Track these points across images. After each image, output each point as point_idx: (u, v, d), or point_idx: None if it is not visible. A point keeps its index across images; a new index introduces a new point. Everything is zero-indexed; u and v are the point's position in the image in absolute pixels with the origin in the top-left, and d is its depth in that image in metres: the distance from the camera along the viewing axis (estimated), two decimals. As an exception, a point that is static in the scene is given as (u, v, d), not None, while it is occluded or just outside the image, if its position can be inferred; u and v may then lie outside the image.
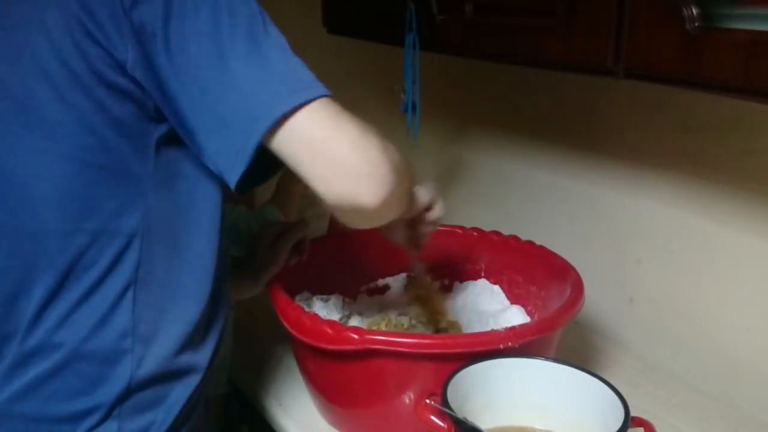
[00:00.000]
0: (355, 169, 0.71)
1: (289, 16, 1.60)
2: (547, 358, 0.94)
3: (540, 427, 0.92)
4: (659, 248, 1.25)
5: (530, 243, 1.24)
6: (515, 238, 1.26)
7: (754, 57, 0.71)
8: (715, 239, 1.16)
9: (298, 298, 1.15)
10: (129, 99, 0.73)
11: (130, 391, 0.78)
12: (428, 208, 0.96)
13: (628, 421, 0.80)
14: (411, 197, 0.88)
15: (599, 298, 1.29)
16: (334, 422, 1.08)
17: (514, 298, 1.25)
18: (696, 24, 0.75)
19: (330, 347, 0.94)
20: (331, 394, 1.05)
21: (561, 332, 1.04)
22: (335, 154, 0.71)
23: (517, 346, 0.92)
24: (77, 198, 0.75)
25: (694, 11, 0.75)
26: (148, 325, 0.79)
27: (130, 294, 0.77)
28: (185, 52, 0.70)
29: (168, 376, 0.81)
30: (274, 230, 1.11)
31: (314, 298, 1.18)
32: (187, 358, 0.82)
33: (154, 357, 0.79)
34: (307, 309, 1.11)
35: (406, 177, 0.78)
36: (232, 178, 0.72)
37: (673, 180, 1.21)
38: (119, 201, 0.76)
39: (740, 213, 1.11)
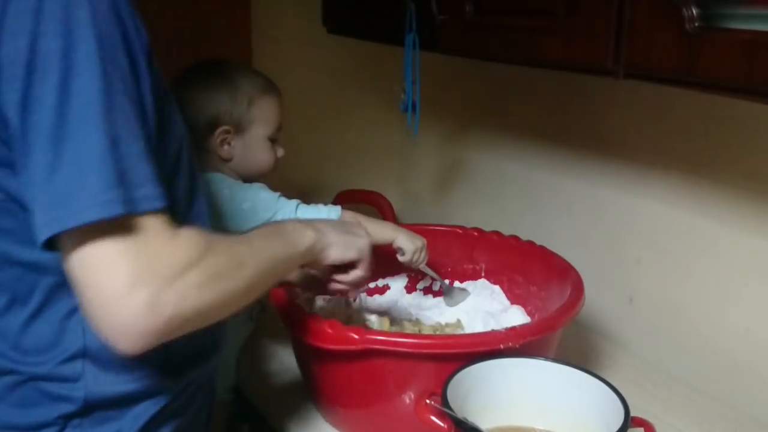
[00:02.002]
0: (113, 318, 0.64)
1: (289, 16, 1.61)
2: (547, 358, 0.94)
3: (540, 427, 0.92)
4: (659, 248, 1.25)
5: (530, 243, 1.24)
6: (515, 238, 1.27)
7: (754, 57, 0.71)
8: (714, 239, 1.16)
9: (298, 298, 1.15)
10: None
11: (88, 408, 0.76)
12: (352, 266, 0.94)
13: (628, 421, 0.80)
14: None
15: (599, 298, 1.29)
16: (334, 422, 1.08)
17: (514, 298, 1.25)
18: (696, 24, 0.75)
19: (330, 347, 0.94)
20: (331, 394, 1.05)
21: (561, 332, 1.04)
22: (102, 293, 0.63)
23: (517, 346, 0.92)
24: None
25: (694, 11, 0.75)
26: (101, 346, 0.72)
27: (77, 316, 0.73)
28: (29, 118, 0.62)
29: (129, 397, 0.77)
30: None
31: (315, 298, 1.18)
32: (150, 379, 0.78)
33: (110, 378, 0.76)
34: (307, 309, 1.11)
35: (225, 280, 0.69)
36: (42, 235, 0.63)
37: (673, 180, 1.21)
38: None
39: (740, 213, 1.11)
